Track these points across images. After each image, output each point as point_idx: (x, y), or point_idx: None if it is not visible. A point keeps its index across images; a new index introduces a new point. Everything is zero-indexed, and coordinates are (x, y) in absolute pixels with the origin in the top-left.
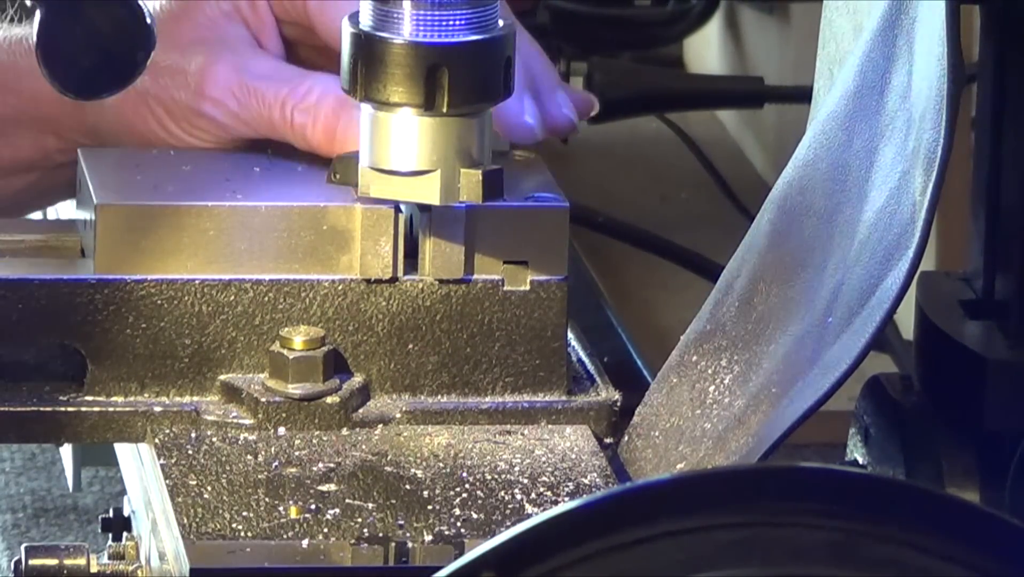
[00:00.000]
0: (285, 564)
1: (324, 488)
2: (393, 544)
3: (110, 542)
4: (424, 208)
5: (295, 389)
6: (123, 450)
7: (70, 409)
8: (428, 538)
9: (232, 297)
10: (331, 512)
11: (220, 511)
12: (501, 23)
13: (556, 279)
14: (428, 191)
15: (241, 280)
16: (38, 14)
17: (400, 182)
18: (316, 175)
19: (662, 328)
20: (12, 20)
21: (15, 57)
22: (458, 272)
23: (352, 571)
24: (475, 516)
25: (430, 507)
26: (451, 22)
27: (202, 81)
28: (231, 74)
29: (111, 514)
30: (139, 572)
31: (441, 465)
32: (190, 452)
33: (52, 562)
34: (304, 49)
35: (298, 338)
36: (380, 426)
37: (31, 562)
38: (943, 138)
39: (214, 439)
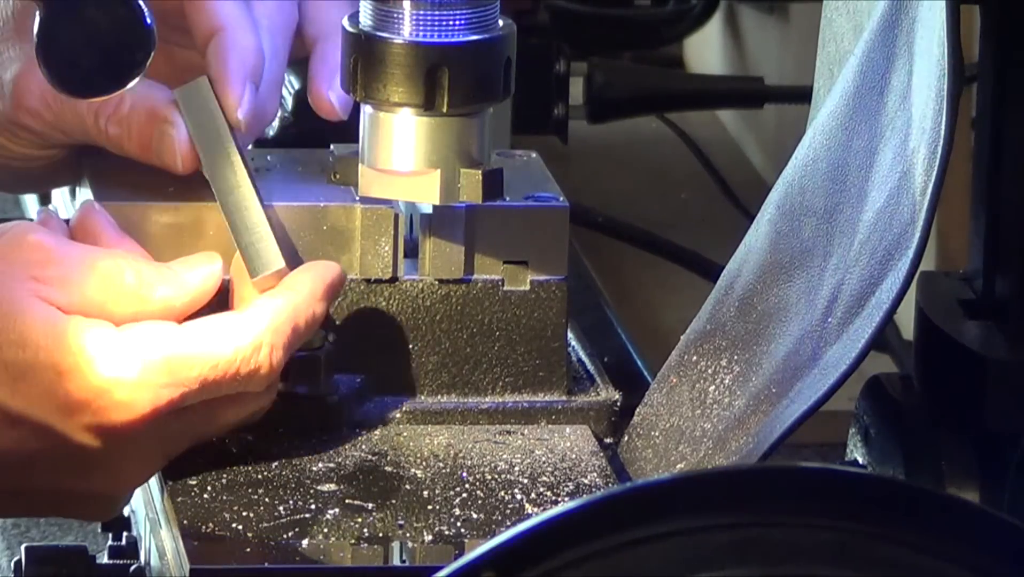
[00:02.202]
0: (285, 564)
1: (324, 488)
2: (393, 544)
3: (110, 542)
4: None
5: (295, 389)
6: None
7: None
8: (428, 538)
9: None
10: (331, 512)
11: (220, 511)
12: (501, 23)
13: (556, 279)
14: (428, 191)
15: None
16: (38, 14)
17: (400, 182)
18: (316, 175)
19: (662, 328)
20: None
21: None
22: (458, 272)
23: (352, 571)
24: (475, 516)
25: (430, 507)
26: (451, 22)
27: (17, 91)
28: (45, 83)
29: None
30: (139, 572)
31: (441, 465)
32: (190, 452)
33: (52, 562)
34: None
35: None
36: (380, 426)
37: (31, 562)
38: (943, 138)
39: (214, 439)
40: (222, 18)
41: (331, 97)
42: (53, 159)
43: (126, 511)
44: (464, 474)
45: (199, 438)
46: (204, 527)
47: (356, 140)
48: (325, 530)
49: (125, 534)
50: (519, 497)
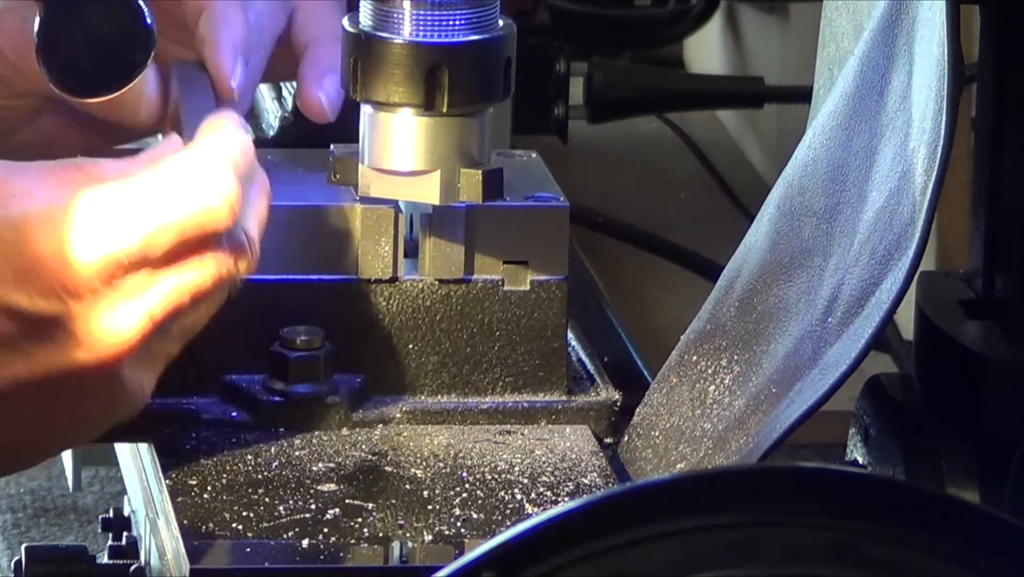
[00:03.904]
0: (285, 564)
1: (324, 488)
2: (393, 544)
3: (110, 542)
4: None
5: (295, 389)
6: (123, 450)
7: None
8: (428, 538)
9: (232, 297)
10: (331, 512)
11: (220, 511)
12: (501, 23)
13: (556, 279)
14: (428, 191)
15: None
16: (38, 14)
17: (400, 182)
18: (316, 175)
19: (662, 328)
20: None
21: None
22: (458, 272)
23: (352, 571)
24: (475, 516)
25: (430, 507)
26: (451, 22)
27: None
28: (17, 23)
29: (111, 514)
30: (139, 572)
31: (441, 465)
32: (190, 452)
33: (52, 562)
34: None
35: (298, 338)
36: (380, 426)
37: (31, 562)
38: (943, 138)
39: (214, 439)
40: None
41: (320, 97)
42: (22, 110)
43: (126, 511)
44: (464, 474)
45: (191, 328)
46: (204, 527)
47: (356, 140)
48: (325, 530)
49: (125, 534)
50: (519, 497)
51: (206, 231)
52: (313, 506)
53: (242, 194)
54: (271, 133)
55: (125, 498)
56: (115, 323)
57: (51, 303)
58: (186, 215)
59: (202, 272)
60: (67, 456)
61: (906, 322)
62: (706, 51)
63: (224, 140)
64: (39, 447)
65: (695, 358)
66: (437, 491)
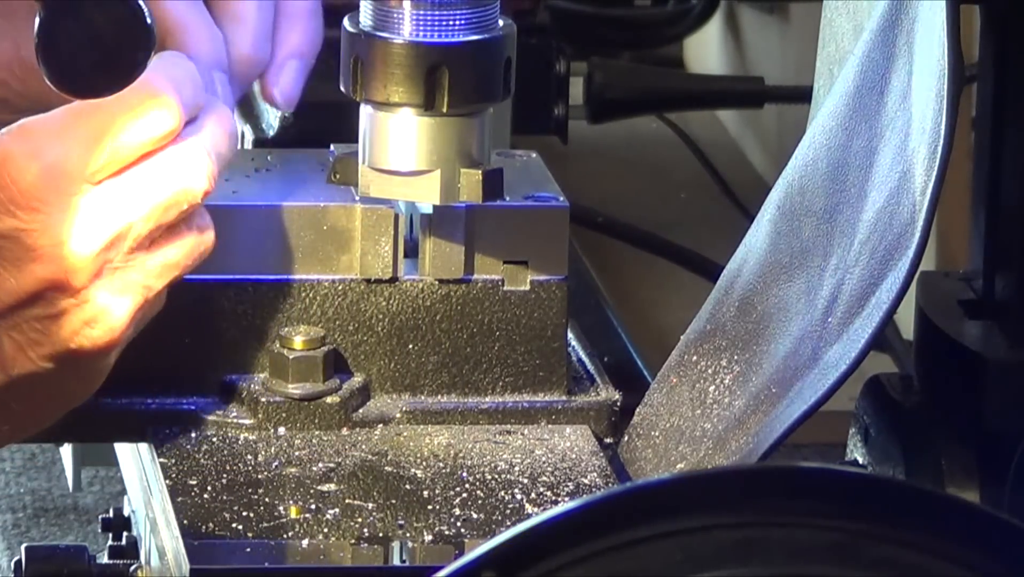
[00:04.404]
0: (285, 564)
1: (324, 488)
2: (393, 544)
3: (110, 542)
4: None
5: (295, 389)
6: (123, 450)
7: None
8: (428, 538)
9: (232, 297)
10: (331, 512)
11: (220, 511)
12: (501, 23)
13: (556, 279)
14: (428, 191)
15: (241, 280)
16: (38, 14)
17: (400, 182)
18: (316, 175)
19: (662, 328)
20: None
21: None
22: (458, 272)
23: (352, 571)
24: (475, 516)
25: (430, 507)
26: (451, 22)
27: None
28: (11, 49)
29: (111, 514)
30: (139, 572)
31: (441, 465)
32: (190, 452)
33: (52, 562)
34: None
35: (298, 338)
36: (380, 426)
37: (31, 562)
38: (943, 138)
39: (214, 439)
40: (173, 20)
41: (275, 93)
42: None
43: (126, 511)
44: (464, 474)
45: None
46: (204, 527)
47: (356, 140)
48: (325, 530)
49: (125, 534)
50: (519, 497)
51: (148, 137)
52: (313, 506)
53: (185, 104)
54: (271, 133)
55: (125, 498)
56: (70, 232)
57: (2, 220)
58: (125, 123)
59: (153, 179)
60: (67, 456)
61: (906, 322)
62: (706, 51)
63: (162, 63)
64: (24, 390)
65: (695, 358)
66: (437, 491)
